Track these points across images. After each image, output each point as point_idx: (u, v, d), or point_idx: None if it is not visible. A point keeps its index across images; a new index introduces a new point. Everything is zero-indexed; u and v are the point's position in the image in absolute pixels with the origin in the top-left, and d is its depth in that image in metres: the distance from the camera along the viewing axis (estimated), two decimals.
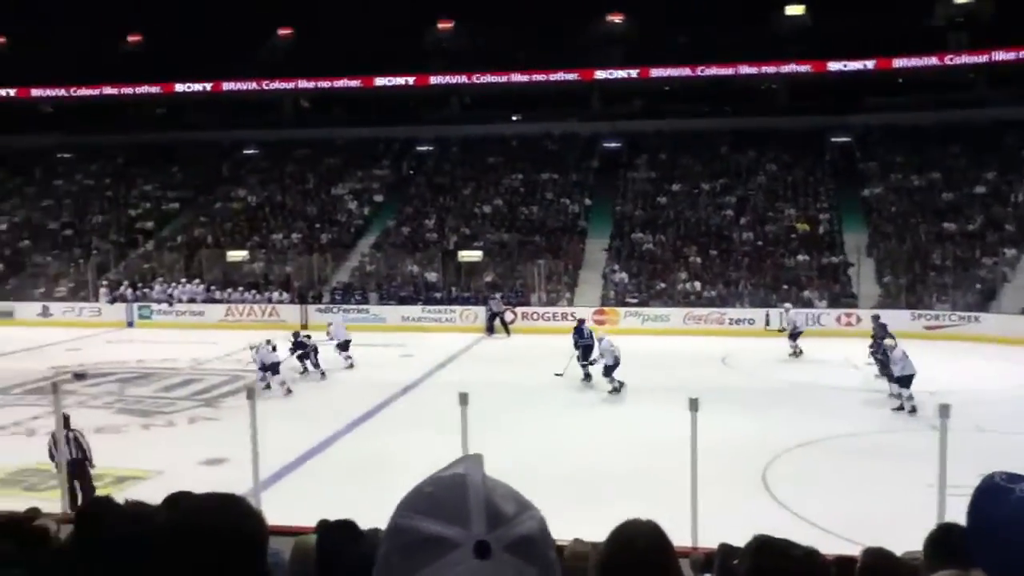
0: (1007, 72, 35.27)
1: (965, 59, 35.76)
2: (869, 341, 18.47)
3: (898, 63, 36.24)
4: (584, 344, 18.16)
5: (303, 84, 41.56)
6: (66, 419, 10.85)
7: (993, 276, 26.19)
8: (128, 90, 42.27)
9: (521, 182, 35.30)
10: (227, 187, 37.53)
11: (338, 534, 3.52)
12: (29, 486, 11.60)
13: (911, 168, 32.66)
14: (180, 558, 1.29)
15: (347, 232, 33.46)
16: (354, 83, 40.76)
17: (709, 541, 5.94)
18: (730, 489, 10.00)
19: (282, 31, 42.01)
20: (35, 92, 43.27)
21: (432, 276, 29.68)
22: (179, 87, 41.89)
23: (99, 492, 10.14)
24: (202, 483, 1.97)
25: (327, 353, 19.87)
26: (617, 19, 39.95)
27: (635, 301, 27.39)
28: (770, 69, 38.01)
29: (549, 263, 29.19)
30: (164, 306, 29.11)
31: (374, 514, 2.10)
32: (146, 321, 28.61)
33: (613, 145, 37.83)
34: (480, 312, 26.77)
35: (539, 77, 39.26)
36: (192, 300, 29.49)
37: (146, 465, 12.31)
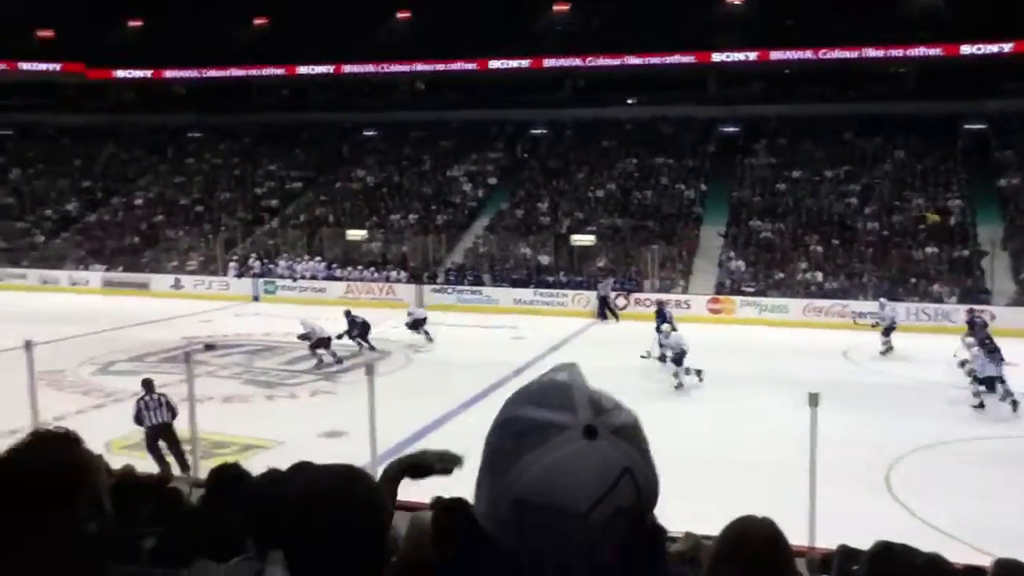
0: None
1: None
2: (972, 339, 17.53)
3: None
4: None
5: (419, 67, 42.23)
6: (148, 383, 11.44)
7: None
8: (254, 72, 44.05)
9: (635, 166, 34.91)
10: (347, 167, 38.63)
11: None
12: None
13: None
14: (312, 523, 1.35)
15: (462, 213, 33.94)
16: (469, 66, 41.15)
17: (827, 542, 5.78)
18: (850, 489, 9.70)
19: (401, 14, 42.80)
20: (168, 74, 45.72)
21: (545, 259, 29.79)
22: (301, 69, 43.30)
23: (227, 459, 10.69)
24: (322, 455, 2.06)
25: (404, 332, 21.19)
26: (736, 0, 38.85)
27: (752, 290, 26.73)
28: (897, 52, 36.10)
29: (663, 249, 28.82)
30: (288, 281, 30.32)
31: None
32: (270, 296, 29.85)
33: (730, 130, 36.92)
34: (592, 296, 26.72)
35: (654, 60, 38.63)
36: (314, 277, 30.61)
37: (269, 435, 12.89)
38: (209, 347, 19.88)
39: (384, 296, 28.54)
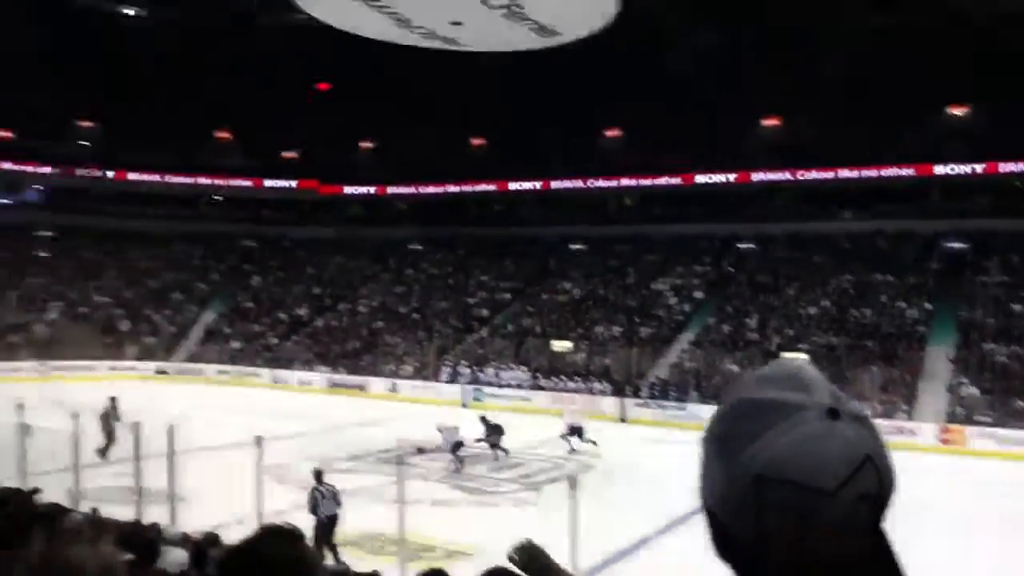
0: None
1: None
2: None
3: None
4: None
5: (626, 182, 43.22)
6: (319, 474, 12.36)
7: None
8: (468, 188, 46.92)
9: (851, 283, 33.39)
10: (554, 280, 39.69)
11: None
12: (373, 549, 12.74)
13: None
14: None
15: (666, 327, 33.71)
16: (675, 180, 41.60)
17: None
18: None
19: (609, 132, 44.20)
20: (391, 190, 49.87)
21: None
22: (512, 185, 45.66)
23: (434, 565, 10.95)
24: None
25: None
26: (959, 111, 37.02)
27: (988, 420, 24.36)
28: None
29: (883, 371, 27.09)
30: (495, 389, 31.19)
31: None
32: (478, 404, 30.67)
33: (956, 245, 34.63)
34: None
35: (870, 173, 37.31)
36: (519, 386, 31.29)
37: (471, 540, 13.07)
38: (420, 450, 20.64)
39: (588, 407, 28.47)
